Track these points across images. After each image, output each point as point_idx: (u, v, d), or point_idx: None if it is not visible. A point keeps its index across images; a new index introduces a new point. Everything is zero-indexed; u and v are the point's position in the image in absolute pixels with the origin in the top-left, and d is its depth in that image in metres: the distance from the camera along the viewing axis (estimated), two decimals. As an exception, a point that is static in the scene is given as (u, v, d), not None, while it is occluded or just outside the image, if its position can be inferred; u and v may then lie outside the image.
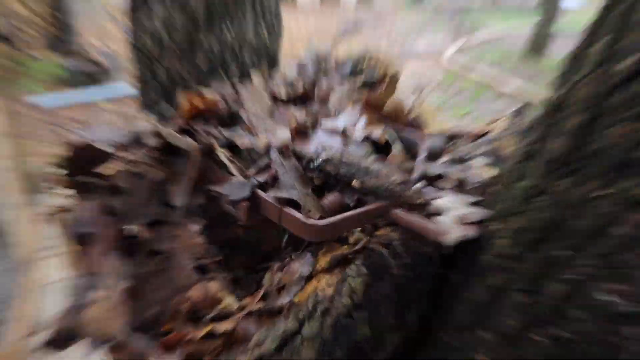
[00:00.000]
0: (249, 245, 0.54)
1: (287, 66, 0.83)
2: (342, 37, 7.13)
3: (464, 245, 0.47)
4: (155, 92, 0.92)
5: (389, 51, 6.49)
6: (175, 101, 0.91)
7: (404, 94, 0.92)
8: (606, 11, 0.35)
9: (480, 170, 0.64)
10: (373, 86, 0.79)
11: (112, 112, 4.46)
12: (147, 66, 0.90)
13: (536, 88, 4.26)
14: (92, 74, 4.73)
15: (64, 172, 0.46)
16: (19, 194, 2.71)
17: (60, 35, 5.37)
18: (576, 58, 0.37)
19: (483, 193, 0.54)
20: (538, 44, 5.57)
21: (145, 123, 0.50)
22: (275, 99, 0.67)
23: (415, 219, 0.47)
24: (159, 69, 0.89)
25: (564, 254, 0.35)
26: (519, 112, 0.77)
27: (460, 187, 0.57)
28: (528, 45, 5.76)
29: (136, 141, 0.52)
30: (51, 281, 2.52)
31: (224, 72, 0.88)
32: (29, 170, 3.02)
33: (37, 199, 3.11)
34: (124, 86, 4.92)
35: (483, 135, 0.76)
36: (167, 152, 0.50)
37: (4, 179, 2.66)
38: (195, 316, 0.39)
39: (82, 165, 0.46)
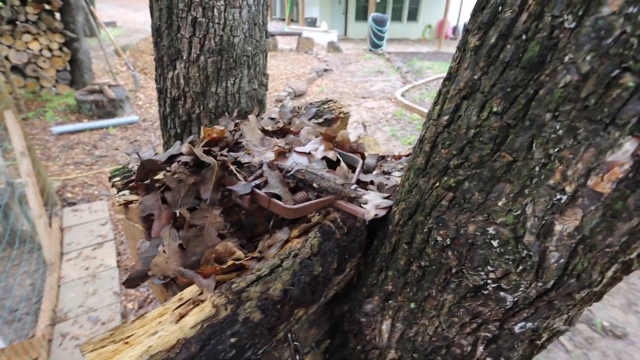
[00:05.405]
0: (248, 227, 0.73)
1: (272, 110, 1.03)
2: (315, 77, 7.46)
3: (379, 221, 0.68)
4: (176, 125, 1.10)
5: (351, 91, 6.86)
6: (191, 132, 1.09)
7: (352, 129, 1.15)
8: (439, 91, 0.57)
9: (396, 178, 0.86)
10: (330, 123, 1.01)
11: (118, 137, 4.48)
12: (170, 107, 1.08)
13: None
14: (102, 104, 4.75)
15: (134, 177, 0.63)
16: (39, 207, 2.72)
17: (75, 71, 5.36)
18: (428, 115, 0.60)
19: (393, 192, 0.76)
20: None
21: (184, 146, 0.69)
22: (264, 131, 0.87)
23: (350, 206, 0.68)
24: (180, 109, 1.06)
25: (422, 219, 0.57)
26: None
27: (380, 188, 0.78)
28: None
29: (176, 157, 0.71)
30: (69, 280, 2.53)
31: (228, 113, 1.07)
32: (45, 187, 3.02)
33: (53, 211, 3.10)
34: (128, 115, 4.96)
35: (402, 157, 0.99)
36: (197, 165, 0.68)
37: (26, 194, 2.66)
38: (219, 260, 0.57)
39: (146, 173, 0.63)
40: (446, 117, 0.52)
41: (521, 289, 0.48)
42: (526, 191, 0.44)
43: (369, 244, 0.73)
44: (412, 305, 0.62)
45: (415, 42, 14.71)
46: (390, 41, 13.22)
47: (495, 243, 0.47)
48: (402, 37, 15.46)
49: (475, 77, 0.47)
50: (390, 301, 0.66)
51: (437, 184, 0.53)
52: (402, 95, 6.54)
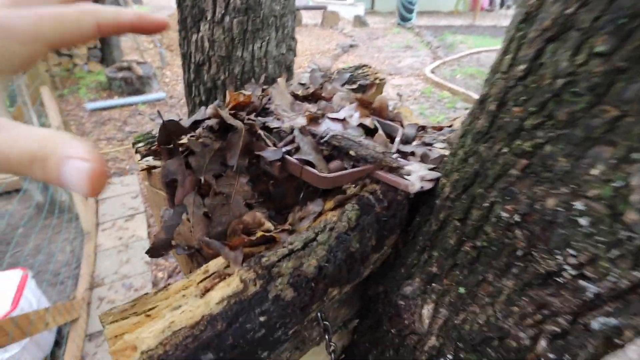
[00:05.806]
0: (276, 197, 0.67)
1: (302, 74, 0.95)
2: (340, 53, 7.19)
3: (423, 195, 0.60)
4: (200, 93, 1.04)
5: (378, 67, 6.56)
6: (216, 99, 1.04)
7: (388, 98, 1.04)
8: (511, 37, 0.47)
9: (439, 150, 0.76)
10: (365, 89, 0.91)
11: (147, 113, 4.56)
12: (195, 72, 1.02)
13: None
14: (131, 82, 4.82)
15: (157, 141, 0.58)
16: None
17: (105, 48, 5.45)
18: (494, 68, 0.50)
19: (439, 163, 0.67)
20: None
21: (209, 109, 0.63)
22: (294, 96, 0.80)
23: (392, 177, 0.60)
24: (204, 75, 1.00)
25: (481, 192, 0.48)
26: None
27: (424, 159, 0.69)
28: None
29: (200, 123, 0.65)
30: (104, 248, 2.65)
31: (254, 79, 0.99)
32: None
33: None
34: (156, 92, 5.01)
35: (443, 128, 0.89)
36: (223, 129, 0.62)
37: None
38: (247, 231, 0.52)
39: (169, 136, 0.58)
40: (523, 67, 0.42)
41: (610, 278, 0.39)
42: (634, 156, 0.34)
43: (409, 220, 0.65)
44: (461, 290, 0.54)
45: (448, 15, 13.79)
46: (420, 14, 12.45)
47: (583, 221, 0.38)
48: (433, 9, 14.51)
49: (569, 11, 0.36)
50: (433, 284, 0.59)
51: (505, 150, 0.44)
52: (432, 72, 6.18)
